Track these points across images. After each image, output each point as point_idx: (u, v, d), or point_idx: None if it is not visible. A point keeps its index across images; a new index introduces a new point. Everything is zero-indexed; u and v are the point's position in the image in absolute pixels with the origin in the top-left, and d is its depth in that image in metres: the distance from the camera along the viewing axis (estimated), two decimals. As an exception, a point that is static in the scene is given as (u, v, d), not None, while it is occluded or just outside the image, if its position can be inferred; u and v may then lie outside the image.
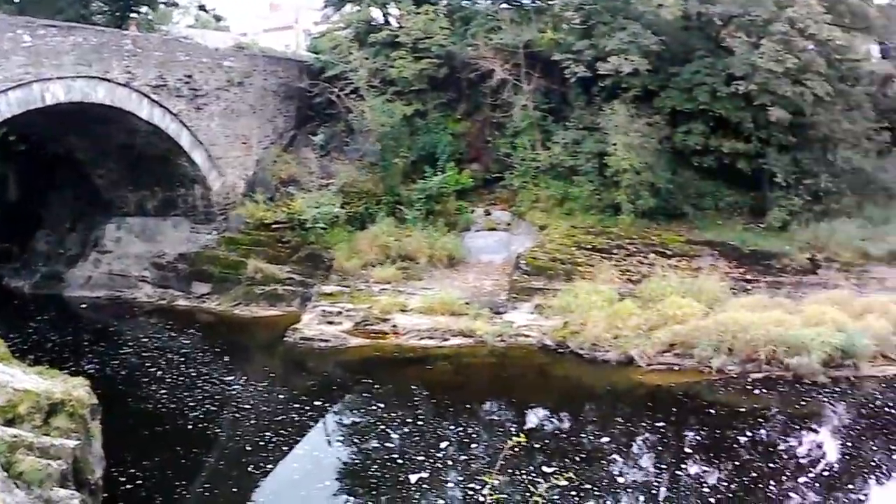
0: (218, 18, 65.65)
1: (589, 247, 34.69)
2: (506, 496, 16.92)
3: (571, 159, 37.73)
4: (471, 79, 40.81)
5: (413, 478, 19.05)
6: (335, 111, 41.71)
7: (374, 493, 18.83)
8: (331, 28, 45.73)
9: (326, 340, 30.12)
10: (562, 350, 28.75)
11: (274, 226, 38.12)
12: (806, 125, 37.52)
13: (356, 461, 21.12)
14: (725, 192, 38.01)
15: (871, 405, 24.83)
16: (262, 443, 21.38)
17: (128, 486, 18.19)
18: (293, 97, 43.30)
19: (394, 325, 30.92)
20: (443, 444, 21.25)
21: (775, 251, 35.30)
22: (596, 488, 18.79)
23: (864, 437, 22.81)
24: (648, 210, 35.91)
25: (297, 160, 41.22)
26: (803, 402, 24.77)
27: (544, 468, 19.25)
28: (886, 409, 24.49)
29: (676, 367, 26.94)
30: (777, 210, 36.77)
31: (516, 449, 19.17)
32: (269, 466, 20.21)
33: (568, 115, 39.36)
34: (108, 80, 32.16)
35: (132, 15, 48.72)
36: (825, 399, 25.04)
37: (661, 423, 23.28)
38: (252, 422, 23.23)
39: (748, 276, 34.05)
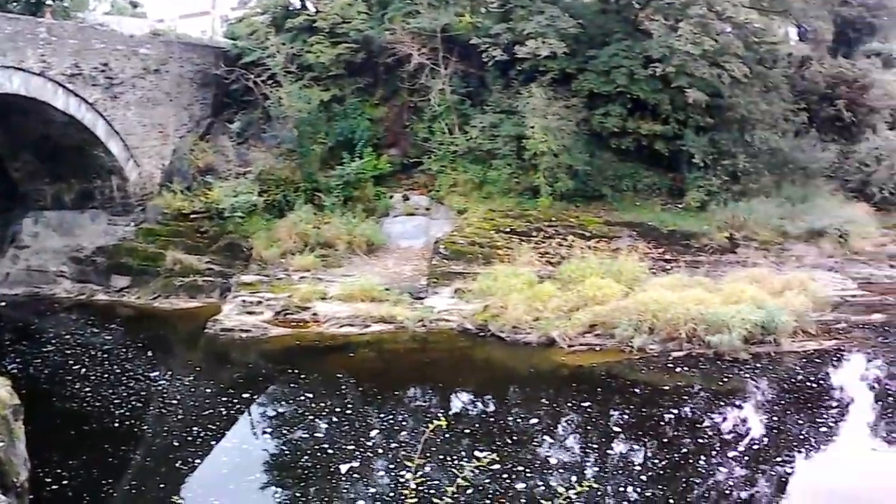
0: (134, 5, 64.97)
1: (508, 230, 34.93)
2: (436, 482, 16.90)
3: (489, 143, 37.83)
4: (388, 63, 40.67)
5: (343, 468, 18.98)
6: (252, 98, 41.13)
7: (304, 484, 18.72)
8: (248, 13, 45.24)
9: (247, 331, 29.84)
10: (483, 333, 28.91)
11: (192, 216, 37.51)
12: (723, 107, 38.39)
13: (285, 453, 21.02)
14: (644, 173, 38.48)
15: (792, 380, 25.50)
16: (189, 437, 21.13)
17: (54, 487, 17.87)
18: (210, 84, 42.59)
19: (314, 314, 30.74)
20: (372, 433, 21.22)
21: (694, 231, 36.03)
22: (526, 469, 18.96)
23: (787, 412, 23.37)
24: (567, 192, 36.23)
25: (215, 148, 40.61)
26: (725, 379, 25.30)
27: (470, 451, 19.30)
28: (808, 383, 25.24)
29: (598, 348, 27.26)
30: (695, 190, 37.48)
31: (445, 433, 19.50)
32: (198, 461, 20.02)
33: (486, 98, 39.46)
34: (23, 70, 31.33)
35: (47, 2, 47.60)
36: (747, 375, 25.61)
37: (587, 403, 23.47)
38: (178, 417, 22.92)
39: (667, 256, 34.65)
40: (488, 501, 17.17)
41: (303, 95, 38.96)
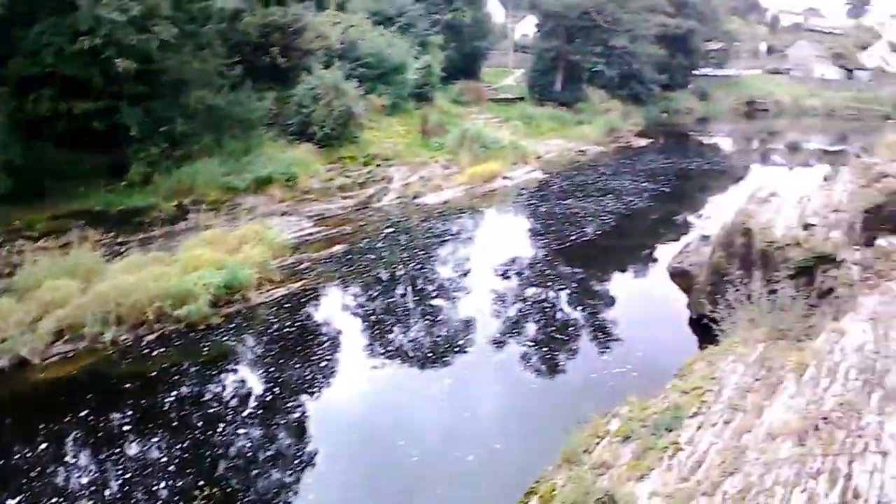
0: None
1: (-61, 253, 31.41)
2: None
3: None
4: None
5: None
6: None
7: None
8: None
9: None
10: (-59, 374, 25.94)
11: None
12: (156, 72, 38.08)
13: None
14: (83, 156, 37.28)
15: (271, 330, 27.06)
16: None
17: None
18: None
19: None
20: None
21: (142, 206, 36.03)
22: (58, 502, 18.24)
23: (280, 360, 24.84)
24: (7, 193, 33.26)
25: None
26: (207, 348, 25.87)
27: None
28: (287, 328, 27.06)
29: (72, 353, 25.83)
30: (136, 164, 37.35)
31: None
32: None
33: None
34: None
35: None
36: (225, 338, 26.53)
37: (83, 413, 22.34)
38: None
39: (120, 239, 34.19)
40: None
41: None
